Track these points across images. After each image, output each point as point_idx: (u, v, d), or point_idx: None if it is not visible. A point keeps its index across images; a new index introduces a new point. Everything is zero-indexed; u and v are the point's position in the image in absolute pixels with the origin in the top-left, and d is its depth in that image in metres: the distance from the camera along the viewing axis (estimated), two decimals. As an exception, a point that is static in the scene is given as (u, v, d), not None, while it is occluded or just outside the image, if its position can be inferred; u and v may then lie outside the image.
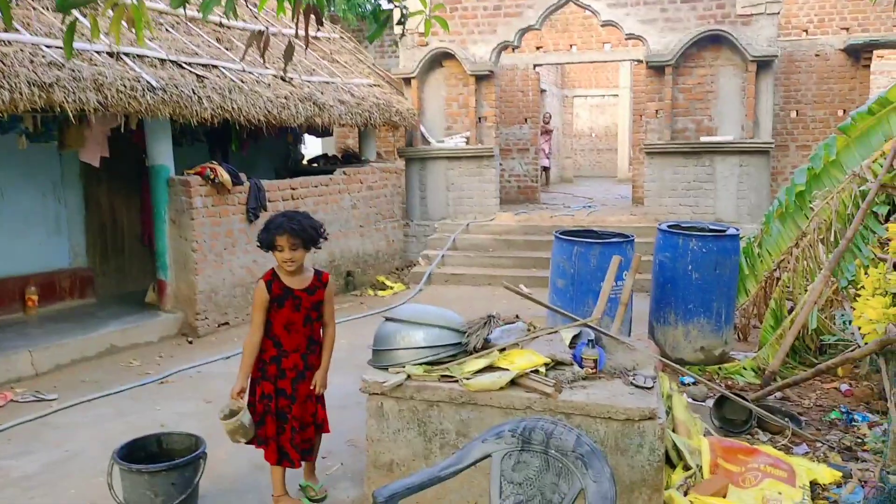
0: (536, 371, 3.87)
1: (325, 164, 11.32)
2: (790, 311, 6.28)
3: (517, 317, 4.65)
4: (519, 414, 3.67)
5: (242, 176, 8.18)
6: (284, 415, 3.91)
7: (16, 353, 6.46)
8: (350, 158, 11.60)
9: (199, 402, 5.79)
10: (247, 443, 3.93)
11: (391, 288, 10.25)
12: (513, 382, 3.79)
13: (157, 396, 6.00)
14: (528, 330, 4.42)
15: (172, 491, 3.71)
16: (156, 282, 8.08)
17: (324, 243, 4.01)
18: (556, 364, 3.99)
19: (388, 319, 4.13)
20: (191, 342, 7.59)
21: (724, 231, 6.61)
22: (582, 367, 3.95)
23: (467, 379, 3.81)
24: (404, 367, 3.92)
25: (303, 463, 4.09)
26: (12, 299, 7.61)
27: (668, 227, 6.73)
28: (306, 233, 3.77)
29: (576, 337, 4.24)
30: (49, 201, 8.02)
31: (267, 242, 3.83)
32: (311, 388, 3.95)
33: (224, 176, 7.78)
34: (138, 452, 3.90)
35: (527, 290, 4.77)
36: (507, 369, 3.85)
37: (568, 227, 8.63)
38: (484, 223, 11.71)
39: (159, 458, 3.90)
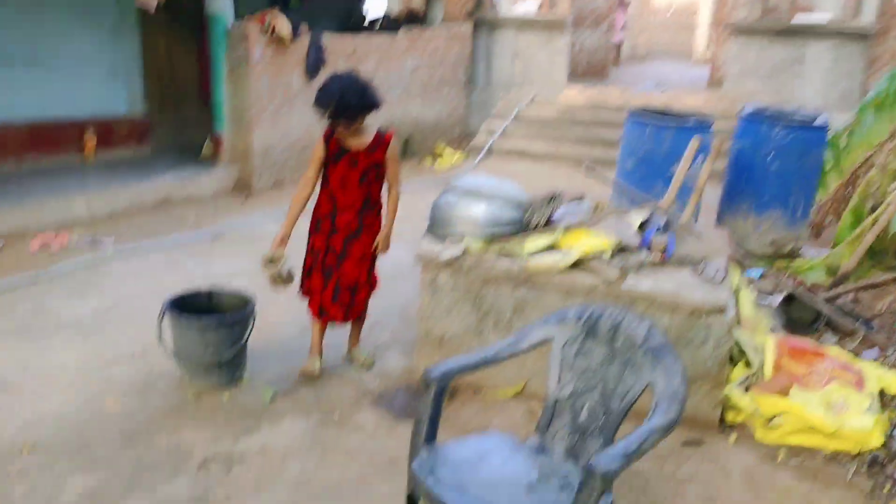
0: (601, 255, 3.66)
1: (387, 25, 10.79)
2: (872, 210, 5.88)
3: (582, 196, 4.40)
4: (580, 298, 3.48)
5: (303, 28, 7.82)
6: (331, 271, 3.81)
7: (73, 196, 6.49)
8: (414, 20, 11.03)
9: (250, 259, 5.73)
10: (301, 293, 3.90)
11: (450, 158, 9.97)
12: (575, 264, 3.60)
13: (210, 251, 5.99)
14: (594, 211, 4.18)
15: (221, 345, 3.68)
16: (212, 135, 7.95)
17: (383, 106, 3.76)
18: (621, 249, 3.76)
19: (447, 190, 3.92)
20: (246, 198, 7.53)
21: (812, 120, 6.13)
22: (650, 253, 3.72)
23: (528, 257, 3.62)
24: (462, 240, 3.75)
25: (349, 324, 4.01)
26: (69, 143, 7.57)
27: (751, 111, 6.27)
28: (350, 110, 3.53)
29: (644, 222, 3.99)
30: (105, 45, 7.79)
31: (316, 109, 3.62)
32: (374, 248, 3.82)
33: (283, 26, 7.43)
34: (189, 305, 3.85)
35: (592, 167, 4.48)
36: (570, 250, 3.64)
37: (639, 106, 8.12)
38: (550, 97, 11.18)
39: (209, 312, 3.85)
